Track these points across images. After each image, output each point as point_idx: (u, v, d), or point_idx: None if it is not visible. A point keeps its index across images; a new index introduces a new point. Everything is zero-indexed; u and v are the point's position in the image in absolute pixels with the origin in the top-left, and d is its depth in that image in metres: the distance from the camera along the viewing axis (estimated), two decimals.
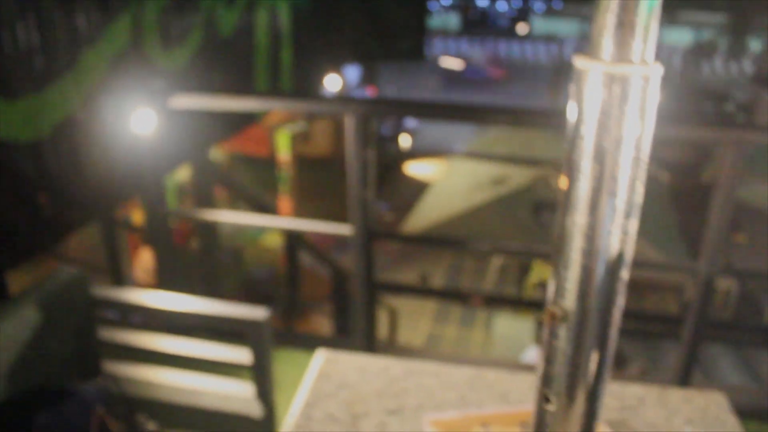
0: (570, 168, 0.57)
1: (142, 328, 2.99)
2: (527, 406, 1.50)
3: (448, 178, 5.91)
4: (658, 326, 4.36)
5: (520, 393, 1.61)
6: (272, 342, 1.84)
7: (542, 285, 5.65)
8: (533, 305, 5.12)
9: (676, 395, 1.53)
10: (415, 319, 6.48)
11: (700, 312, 2.42)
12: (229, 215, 2.83)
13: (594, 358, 0.64)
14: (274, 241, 5.85)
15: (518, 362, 3.91)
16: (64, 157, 2.50)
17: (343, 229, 2.53)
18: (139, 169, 2.77)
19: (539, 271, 5.59)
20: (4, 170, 2.14)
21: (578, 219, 0.58)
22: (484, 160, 5.86)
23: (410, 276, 7.16)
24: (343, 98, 2.56)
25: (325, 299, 5.20)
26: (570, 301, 0.61)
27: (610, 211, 0.57)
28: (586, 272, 0.59)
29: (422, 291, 5.36)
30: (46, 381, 1.67)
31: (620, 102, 0.53)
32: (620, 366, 4.65)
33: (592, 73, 0.54)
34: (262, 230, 6.58)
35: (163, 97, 2.57)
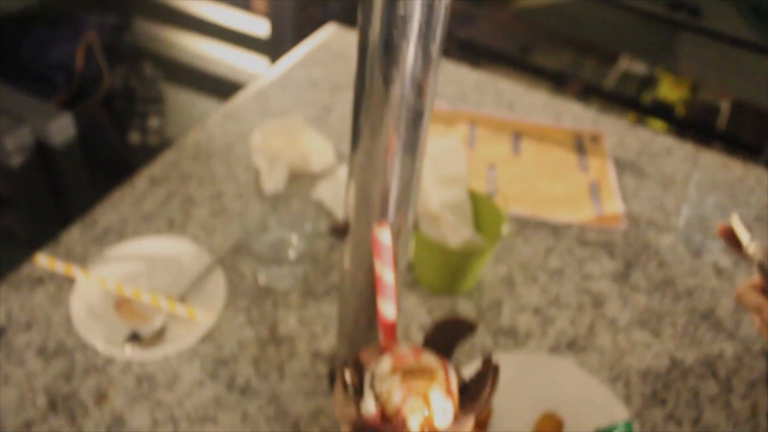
0: None
1: None
2: (524, 117, 1.32)
3: None
4: None
5: (527, 106, 1.41)
6: (294, 20, 1.70)
7: (662, 102, 5.21)
8: (641, 110, 4.72)
9: (713, 159, 1.30)
10: None
11: None
12: None
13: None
14: None
15: None
16: None
17: None
18: None
19: (665, 87, 5.05)
20: None
21: None
22: None
23: None
24: None
25: None
26: None
27: None
28: None
29: (512, 61, 4.76)
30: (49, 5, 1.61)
31: None
32: None
33: None
34: None
35: None
